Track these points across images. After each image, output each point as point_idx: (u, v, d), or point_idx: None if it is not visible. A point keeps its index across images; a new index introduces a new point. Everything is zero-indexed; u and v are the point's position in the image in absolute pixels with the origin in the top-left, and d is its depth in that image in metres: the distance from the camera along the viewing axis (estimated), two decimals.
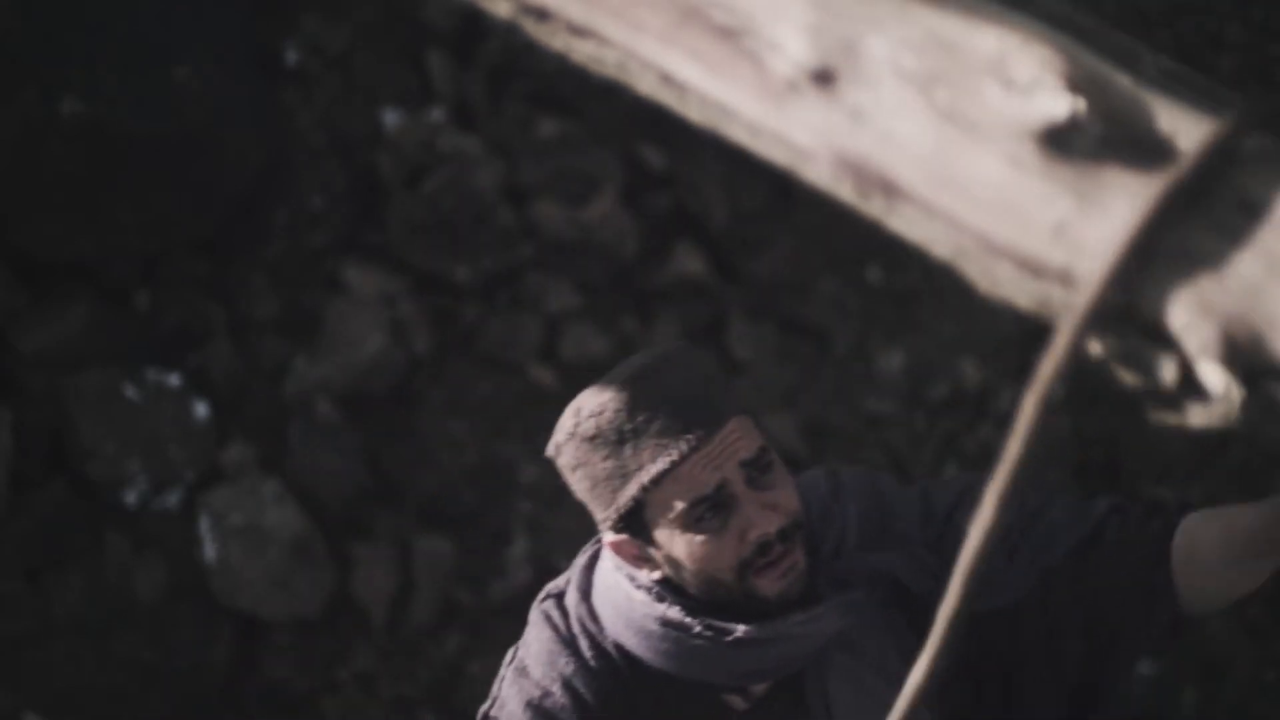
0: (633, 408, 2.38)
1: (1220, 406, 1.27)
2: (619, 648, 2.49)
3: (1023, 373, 1.39)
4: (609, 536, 2.45)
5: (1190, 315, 1.27)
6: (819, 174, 1.42)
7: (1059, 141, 1.33)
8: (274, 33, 4.53)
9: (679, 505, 2.36)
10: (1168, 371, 1.29)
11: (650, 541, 2.41)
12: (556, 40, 1.52)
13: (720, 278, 4.89)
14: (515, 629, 4.42)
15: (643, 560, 2.43)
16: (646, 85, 1.49)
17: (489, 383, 4.62)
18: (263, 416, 4.38)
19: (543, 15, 1.52)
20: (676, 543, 2.39)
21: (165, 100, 4.30)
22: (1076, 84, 1.33)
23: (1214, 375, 1.27)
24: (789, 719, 2.50)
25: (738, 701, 2.51)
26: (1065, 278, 1.32)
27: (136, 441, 4.24)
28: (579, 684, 2.50)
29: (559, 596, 2.58)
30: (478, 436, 4.57)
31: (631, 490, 2.37)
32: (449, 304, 4.63)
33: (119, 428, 4.23)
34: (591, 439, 2.41)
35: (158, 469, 4.26)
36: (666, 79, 1.48)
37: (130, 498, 4.24)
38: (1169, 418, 1.32)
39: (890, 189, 1.39)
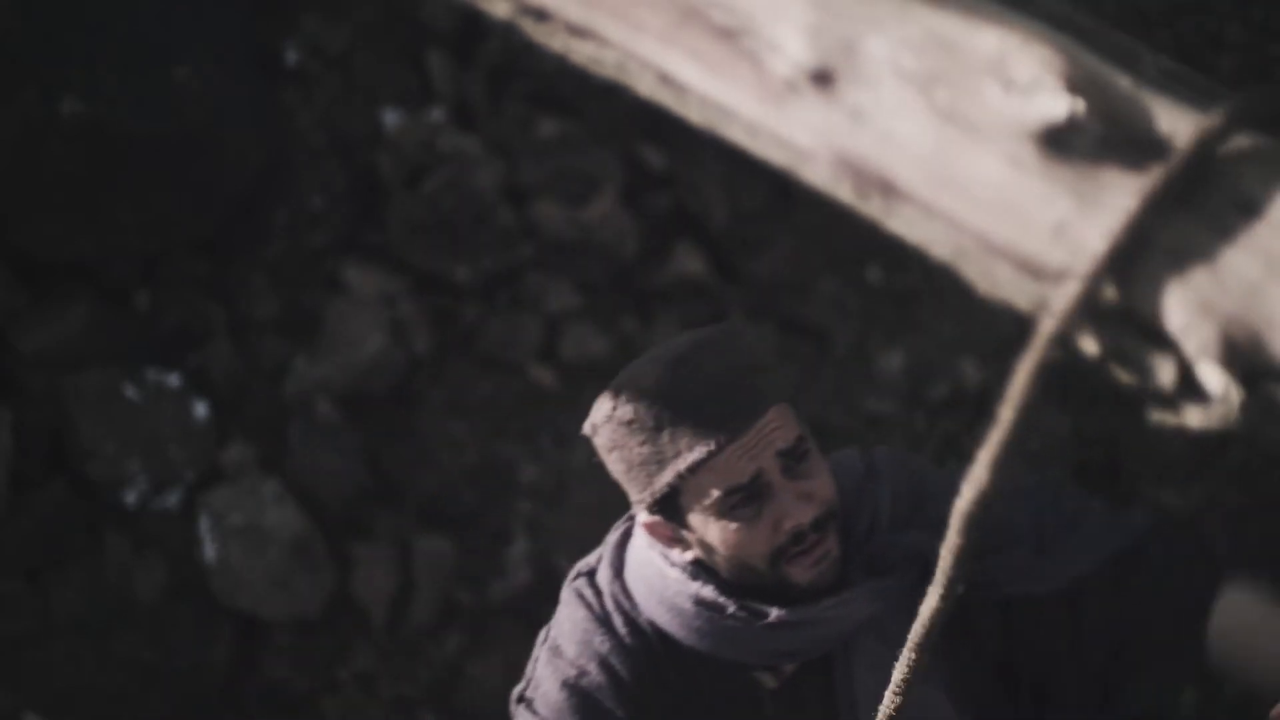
0: (672, 393, 2.37)
1: (1219, 408, 1.27)
2: (652, 625, 2.50)
3: None
4: (643, 517, 2.45)
5: (1189, 316, 1.27)
6: (818, 174, 1.42)
7: (1058, 142, 1.33)
8: (274, 33, 4.53)
9: (714, 493, 2.36)
10: (1166, 373, 1.29)
11: (684, 525, 2.42)
12: (555, 41, 1.52)
13: (720, 278, 4.89)
14: (515, 629, 4.43)
15: (676, 541, 2.44)
16: (646, 86, 1.49)
17: (489, 383, 4.62)
18: (263, 416, 4.38)
19: (541, 16, 1.52)
20: (710, 529, 2.40)
21: (165, 100, 4.30)
22: (1076, 84, 1.33)
23: (1213, 376, 1.27)
24: (816, 699, 2.51)
25: (768, 680, 2.52)
26: (1065, 278, 1.31)
27: (136, 441, 4.24)
28: (615, 662, 2.51)
29: (590, 574, 2.58)
30: (478, 436, 4.57)
31: (667, 476, 2.38)
32: (449, 304, 4.63)
33: (119, 428, 4.22)
34: (629, 423, 2.40)
35: (158, 469, 4.26)
36: (666, 79, 1.48)
37: (130, 498, 4.24)
38: (1168, 419, 1.32)
39: (889, 189, 1.38)
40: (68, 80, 4.20)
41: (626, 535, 2.57)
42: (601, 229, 4.76)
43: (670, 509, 2.41)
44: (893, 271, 4.95)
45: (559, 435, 4.67)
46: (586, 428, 2.47)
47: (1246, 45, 4.35)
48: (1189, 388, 1.29)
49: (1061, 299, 1.30)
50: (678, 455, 2.37)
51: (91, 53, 4.24)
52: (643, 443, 2.39)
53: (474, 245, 4.63)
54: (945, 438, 4.74)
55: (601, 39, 1.49)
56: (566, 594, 2.59)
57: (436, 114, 4.66)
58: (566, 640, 2.54)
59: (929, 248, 1.40)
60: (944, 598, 1.60)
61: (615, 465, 2.44)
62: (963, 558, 1.52)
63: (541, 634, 2.62)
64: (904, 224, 1.39)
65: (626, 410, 2.40)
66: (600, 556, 2.59)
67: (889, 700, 1.94)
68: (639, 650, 2.51)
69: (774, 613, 2.42)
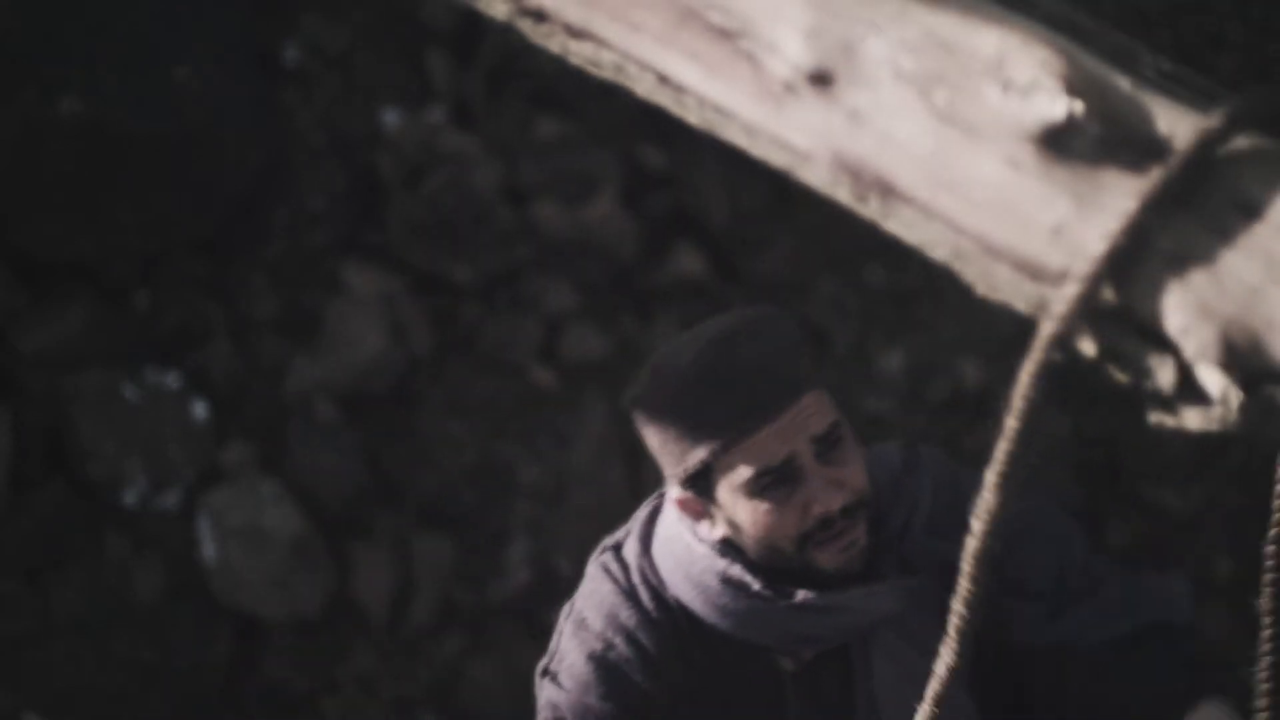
0: (710, 373, 2.39)
1: (1219, 410, 1.27)
2: (678, 602, 2.51)
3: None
4: (675, 493, 2.47)
5: (1188, 318, 1.27)
6: (817, 175, 1.42)
7: (1058, 143, 1.32)
8: (274, 33, 4.52)
9: (745, 473, 2.38)
10: (1166, 375, 1.29)
11: (715, 503, 2.43)
12: (554, 42, 1.51)
13: (720, 278, 4.88)
14: (515, 629, 4.43)
15: (705, 517, 2.45)
16: (644, 87, 1.48)
17: (489, 383, 4.62)
18: (262, 416, 4.38)
19: (540, 17, 1.52)
20: (740, 508, 2.41)
21: (165, 100, 4.29)
22: (1075, 85, 1.33)
23: (1212, 378, 1.27)
24: (834, 687, 2.52)
25: (788, 664, 2.53)
26: (1064, 280, 1.31)
27: (136, 441, 4.23)
28: (641, 636, 2.52)
29: (617, 548, 2.59)
30: (478, 436, 4.57)
31: (700, 454, 2.39)
32: (449, 304, 4.62)
33: (118, 428, 4.22)
34: (666, 399, 2.43)
35: (157, 469, 4.25)
36: (664, 80, 1.47)
37: (130, 498, 4.23)
38: (1168, 421, 1.32)
39: (888, 190, 1.38)
40: (67, 80, 4.20)
41: (656, 511, 2.58)
42: (601, 229, 4.76)
43: (702, 486, 2.43)
44: (893, 271, 4.94)
45: (559, 435, 4.66)
46: (625, 399, 2.50)
47: (1246, 45, 4.34)
48: (1188, 390, 1.29)
49: (1061, 301, 1.29)
50: (712, 433, 2.39)
51: (91, 52, 4.24)
52: (678, 418, 2.41)
53: (474, 245, 4.63)
54: (945, 438, 4.74)
55: (600, 40, 1.49)
56: (593, 568, 2.60)
57: (436, 114, 4.66)
58: (592, 613, 2.55)
59: (928, 249, 1.39)
60: (959, 654, 1.61)
61: (651, 439, 2.46)
62: (976, 605, 1.53)
63: (565, 608, 2.63)
64: (903, 225, 1.39)
65: (665, 385, 2.43)
66: (628, 531, 2.60)
67: None
68: (664, 625, 2.52)
69: (799, 595, 2.44)
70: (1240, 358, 1.26)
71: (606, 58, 1.49)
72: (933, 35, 1.38)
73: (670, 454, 2.45)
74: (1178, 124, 1.33)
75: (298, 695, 4.35)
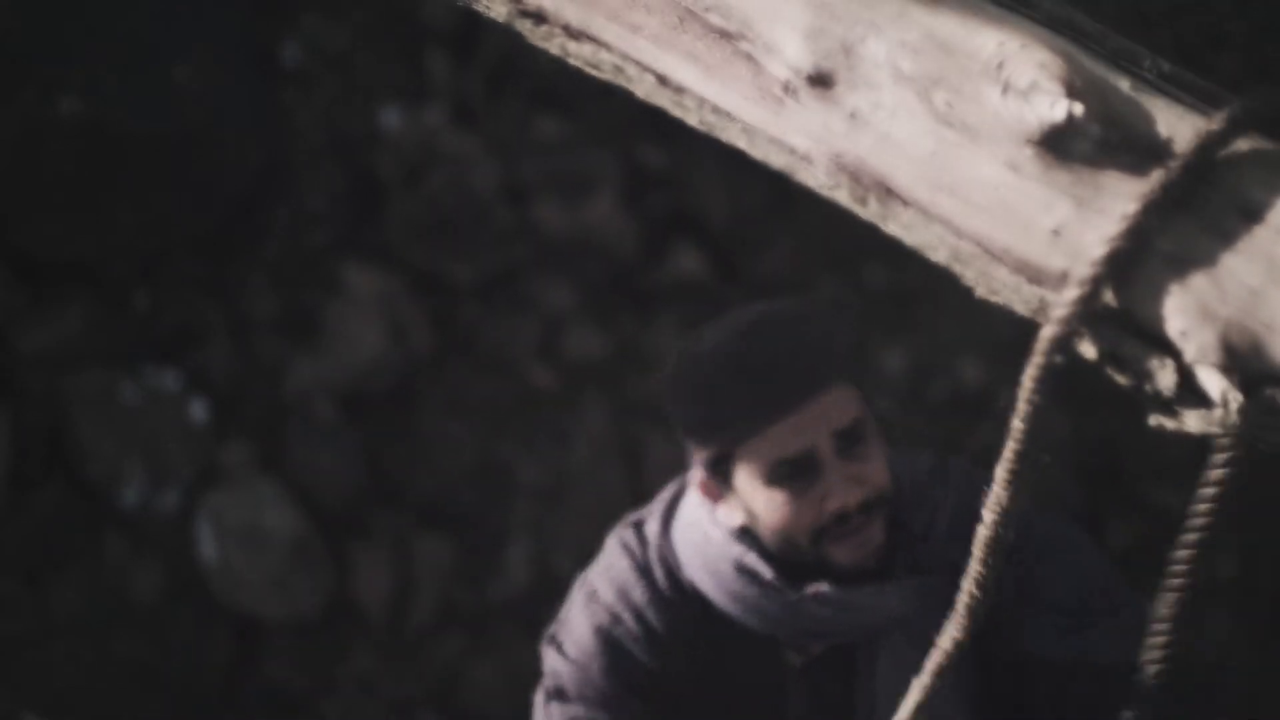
0: (739, 359, 2.41)
1: (1219, 412, 1.26)
2: (692, 586, 2.52)
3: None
4: (696, 475, 2.49)
5: (1188, 321, 1.27)
6: (816, 177, 1.41)
7: (1058, 145, 1.32)
8: (274, 32, 4.52)
9: (764, 462, 2.39)
10: (1166, 377, 1.28)
11: (733, 489, 2.44)
12: (553, 44, 1.51)
13: (720, 278, 4.88)
14: (514, 629, 4.43)
15: (724, 501, 2.47)
16: (644, 88, 1.48)
17: (488, 383, 4.62)
18: (262, 416, 4.38)
19: (540, 18, 1.51)
20: (757, 497, 2.42)
21: (165, 100, 4.29)
22: (1075, 87, 1.33)
23: (1213, 381, 1.26)
24: (837, 685, 2.52)
25: (794, 657, 2.54)
26: (1064, 282, 1.31)
27: (135, 441, 4.23)
28: (650, 614, 2.53)
29: (639, 525, 2.61)
30: (477, 436, 4.57)
31: (721, 440, 2.41)
32: (449, 304, 4.62)
33: (118, 428, 4.22)
34: (692, 383, 2.44)
35: (157, 469, 4.25)
36: (664, 81, 1.47)
37: (129, 498, 4.23)
38: (1168, 423, 1.31)
39: (888, 192, 1.38)
40: (67, 80, 4.20)
41: (682, 492, 2.60)
42: (601, 229, 4.75)
43: (723, 471, 2.45)
44: (893, 271, 4.94)
45: (559, 435, 4.66)
46: (658, 379, 2.54)
47: (1247, 45, 4.34)
48: (1189, 392, 1.29)
49: (1061, 304, 1.29)
50: (733, 420, 2.40)
51: (91, 52, 4.24)
52: (703, 402, 2.44)
53: (473, 245, 4.63)
54: (945, 438, 4.73)
55: (599, 42, 1.49)
56: (611, 541, 2.62)
57: (436, 114, 4.66)
58: (604, 586, 2.57)
59: (928, 251, 1.39)
60: (965, 629, 1.62)
61: (676, 420, 2.48)
62: (986, 586, 1.54)
63: (579, 578, 2.65)
64: (903, 227, 1.39)
65: (693, 369, 2.45)
66: (651, 510, 2.62)
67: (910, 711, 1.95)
68: (675, 605, 2.54)
69: (809, 587, 2.45)
70: (1240, 360, 1.26)
71: (606, 59, 1.49)
72: (932, 37, 1.38)
73: (693, 436, 2.47)
74: (1178, 126, 1.32)
75: (297, 695, 4.35)
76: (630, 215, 4.80)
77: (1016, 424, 1.36)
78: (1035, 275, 1.33)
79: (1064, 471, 4.97)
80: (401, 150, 4.60)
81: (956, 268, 1.38)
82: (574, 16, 1.49)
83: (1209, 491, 1.40)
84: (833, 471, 2.40)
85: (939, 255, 1.38)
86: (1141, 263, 1.29)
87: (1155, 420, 1.33)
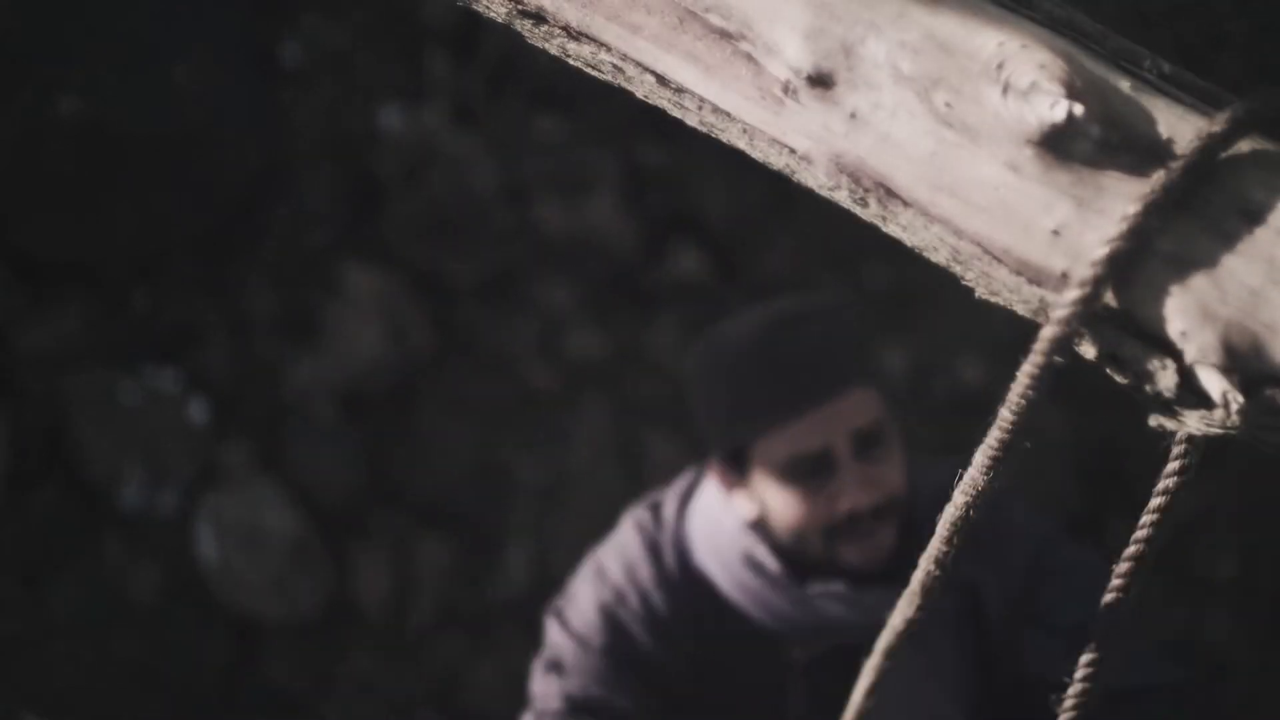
0: (762, 353, 2.42)
1: (1219, 413, 1.26)
2: (700, 572, 2.52)
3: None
4: (712, 461, 2.49)
5: (1189, 321, 1.27)
6: (816, 178, 1.41)
7: (1058, 146, 1.32)
8: (274, 32, 4.52)
9: (780, 458, 2.40)
10: (1167, 378, 1.28)
11: (749, 481, 2.45)
12: (553, 44, 1.51)
13: (720, 278, 4.88)
14: (514, 629, 4.43)
15: (737, 489, 2.47)
16: (644, 89, 1.48)
17: (488, 383, 4.62)
18: (261, 416, 4.37)
19: (539, 18, 1.51)
20: (771, 491, 2.43)
21: (165, 100, 4.29)
22: (1075, 88, 1.32)
23: (1213, 382, 1.26)
24: (838, 685, 2.53)
25: (797, 655, 2.54)
26: (1065, 283, 1.31)
27: (134, 441, 4.23)
28: (656, 595, 2.54)
29: (656, 506, 2.62)
30: (477, 436, 4.57)
31: (739, 432, 2.42)
32: (449, 304, 4.62)
33: (117, 428, 4.22)
34: (714, 374, 2.46)
35: (156, 469, 4.25)
36: (664, 82, 1.47)
37: (128, 498, 4.23)
38: (1168, 424, 1.31)
39: (888, 193, 1.38)
40: (67, 80, 4.19)
41: (700, 479, 2.61)
42: (601, 229, 4.75)
43: (739, 463, 2.45)
44: (893, 271, 4.94)
45: (559, 435, 4.66)
46: (683, 367, 2.56)
47: (1248, 45, 4.34)
48: (1189, 393, 1.28)
49: (1061, 304, 1.29)
50: (752, 413, 2.42)
51: (91, 52, 4.24)
52: (723, 394, 2.45)
53: (473, 245, 4.63)
54: (945, 438, 4.73)
55: (599, 42, 1.49)
56: (625, 519, 2.63)
57: (436, 114, 4.66)
58: (613, 563, 2.58)
59: (928, 252, 1.39)
60: (920, 608, 1.62)
61: (696, 407, 2.49)
62: (945, 565, 1.54)
63: (589, 554, 2.65)
64: (903, 228, 1.39)
65: (716, 359, 2.46)
66: (670, 493, 2.63)
67: (860, 702, 1.95)
68: (682, 590, 2.55)
69: (814, 585, 2.45)
70: (1241, 361, 1.26)
71: (605, 59, 1.49)
72: (933, 37, 1.38)
73: (712, 425, 2.48)
74: (1179, 127, 1.32)
75: (297, 695, 4.35)
76: (630, 215, 4.80)
77: (1005, 413, 1.36)
78: (1035, 276, 1.33)
79: (1064, 471, 4.97)
80: (401, 150, 4.60)
81: (956, 268, 1.38)
82: (573, 16, 1.49)
83: (1160, 501, 1.40)
84: (848, 472, 2.40)
85: (939, 256, 1.38)
86: (1142, 263, 1.29)
87: (1155, 421, 1.33)
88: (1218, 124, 1.29)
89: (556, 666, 2.61)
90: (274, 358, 4.42)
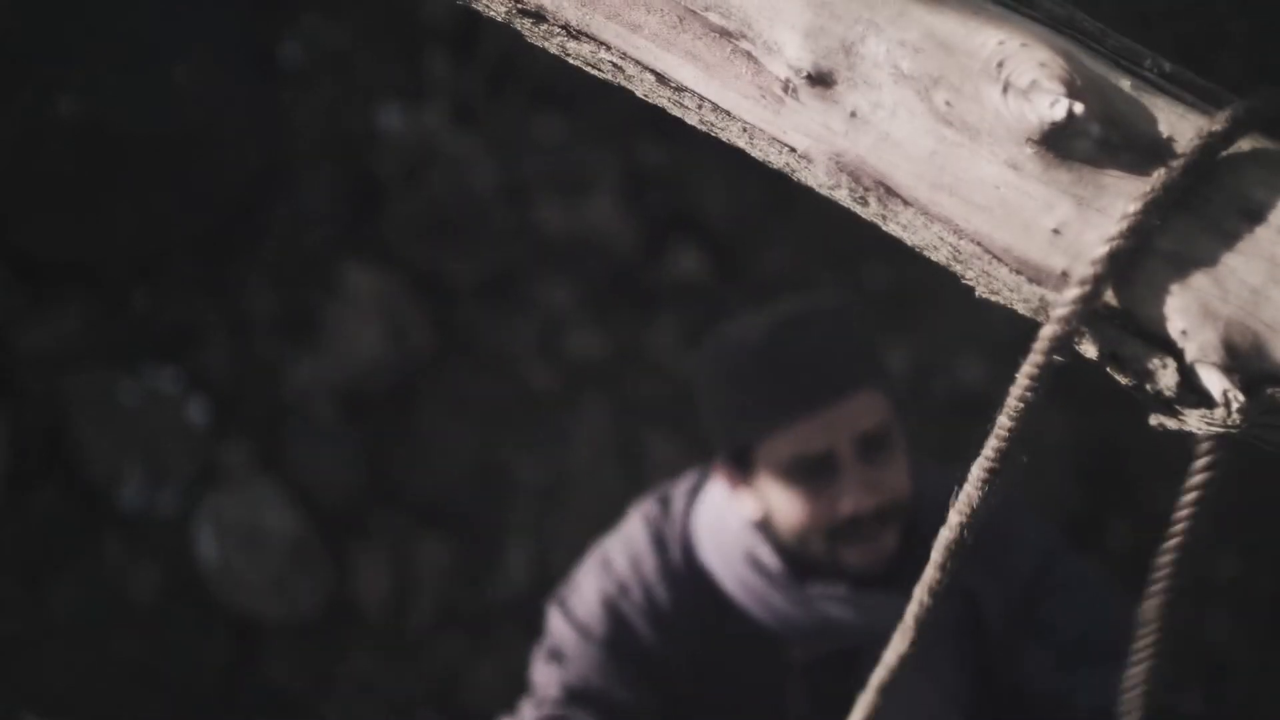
0: (769, 354, 2.42)
1: (1220, 412, 1.26)
2: (705, 568, 2.53)
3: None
4: (717, 459, 2.50)
5: (1190, 321, 1.26)
6: (816, 176, 1.41)
7: (1058, 145, 1.32)
8: (273, 32, 4.52)
9: (783, 458, 2.40)
10: (1167, 377, 1.28)
11: (753, 481, 2.45)
12: (552, 43, 1.51)
13: (720, 277, 4.88)
14: (514, 630, 4.42)
15: (740, 487, 2.48)
16: (644, 87, 1.48)
17: (488, 383, 4.61)
18: (261, 416, 4.37)
19: (539, 17, 1.51)
20: (774, 492, 2.43)
21: (165, 100, 4.29)
22: (1076, 87, 1.32)
23: (1214, 381, 1.26)
24: (836, 688, 2.53)
25: (797, 656, 2.54)
26: (1065, 282, 1.31)
27: (134, 441, 4.23)
28: (659, 589, 2.54)
29: (665, 500, 2.62)
30: (477, 436, 4.57)
31: (743, 432, 2.43)
32: (449, 304, 4.62)
33: (116, 428, 4.22)
34: (720, 374, 2.46)
35: (155, 469, 4.25)
36: (663, 80, 1.47)
37: (128, 498, 4.23)
38: (1169, 423, 1.31)
39: (888, 192, 1.38)
40: (66, 80, 4.19)
41: (707, 477, 2.61)
42: (601, 229, 4.75)
43: (743, 461, 2.45)
44: (893, 271, 4.94)
45: (559, 435, 4.66)
46: (690, 365, 2.57)
47: (1248, 45, 4.34)
48: (1190, 392, 1.28)
49: (1062, 303, 1.29)
50: (757, 414, 2.42)
51: (91, 52, 4.23)
52: (729, 394, 2.45)
53: (473, 245, 4.62)
54: (945, 438, 4.73)
55: (599, 40, 1.49)
56: (633, 511, 2.64)
57: (436, 113, 4.65)
58: (619, 554, 2.58)
59: (928, 251, 1.39)
60: (914, 643, 1.61)
61: (702, 406, 2.50)
62: (938, 594, 1.53)
63: (596, 544, 2.65)
64: (903, 227, 1.38)
65: (722, 360, 2.46)
66: (679, 488, 2.63)
67: None
68: (686, 585, 2.55)
69: (814, 586, 2.45)
70: (1242, 360, 1.26)
71: (605, 58, 1.49)
72: (933, 36, 1.37)
73: (716, 426, 2.48)
74: (1179, 125, 1.32)
75: (297, 695, 4.35)
76: (630, 215, 4.80)
77: (1003, 420, 1.35)
78: (1036, 274, 1.33)
79: (1064, 472, 4.96)
80: (401, 150, 4.60)
81: (957, 267, 1.37)
82: (573, 15, 1.49)
83: (1191, 496, 1.40)
84: (851, 474, 2.40)
85: (939, 255, 1.38)
86: (1142, 262, 1.29)
87: (1156, 420, 1.33)
88: (1218, 123, 1.28)
89: (557, 656, 2.61)
90: (274, 358, 4.42)
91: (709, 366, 2.50)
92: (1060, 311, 1.29)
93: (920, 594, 1.59)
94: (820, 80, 1.40)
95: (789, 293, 4.80)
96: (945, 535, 1.49)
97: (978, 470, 1.42)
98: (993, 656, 2.49)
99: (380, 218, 4.57)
